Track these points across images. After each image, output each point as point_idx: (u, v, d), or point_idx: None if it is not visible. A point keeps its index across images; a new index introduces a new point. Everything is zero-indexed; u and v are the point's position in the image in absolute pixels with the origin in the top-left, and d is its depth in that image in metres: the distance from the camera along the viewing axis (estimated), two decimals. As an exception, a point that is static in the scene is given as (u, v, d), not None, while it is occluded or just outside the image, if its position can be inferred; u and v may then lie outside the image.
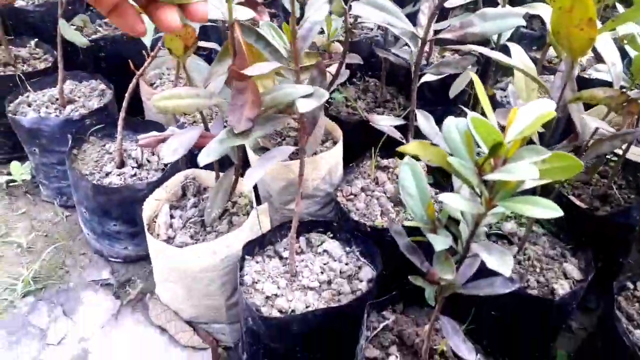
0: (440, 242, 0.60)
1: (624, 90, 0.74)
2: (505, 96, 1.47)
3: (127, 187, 1.07)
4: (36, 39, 1.51)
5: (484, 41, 1.07)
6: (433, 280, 0.63)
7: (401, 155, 1.18)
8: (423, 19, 0.86)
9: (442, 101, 1.32)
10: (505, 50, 0.90)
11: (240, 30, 0.72)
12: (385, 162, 1.20)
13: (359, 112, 1.36)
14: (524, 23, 0.73)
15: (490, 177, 0.55)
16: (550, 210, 0.53)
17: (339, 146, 1.18)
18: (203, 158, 0.71)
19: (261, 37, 0.72)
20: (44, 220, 1.31)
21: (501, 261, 0.54)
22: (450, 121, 0.61)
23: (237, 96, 0.73)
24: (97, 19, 1.64)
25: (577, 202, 1.12)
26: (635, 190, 1.16)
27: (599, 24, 0.77)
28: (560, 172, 0.56)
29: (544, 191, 1.01)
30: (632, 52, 0.79)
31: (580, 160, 0.53)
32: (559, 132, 1.36)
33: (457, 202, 0.55)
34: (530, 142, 0.81)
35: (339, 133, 1.23)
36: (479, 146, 0.58)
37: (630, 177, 1.20)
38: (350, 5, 0.79)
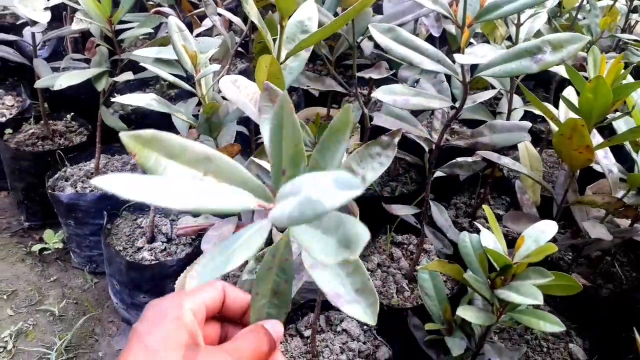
0: (456, 347, 0.67)
1: (619, 198, 0.82)
2: (513, 172, 1.54)
3: (158, 264, 1.14)
4: (72, 113, 1.62)
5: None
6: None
7: (416, 232, 1.26)
8: (437, 123, 0.95)
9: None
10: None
11: None
12: (400, 238, 1.28)
13: (373, 187, 1.44)
14: (529, 138, 0.82)
15: (500, 294, 0.62)
16: (555, 325, 0.60)
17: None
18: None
19: None
20: (74, 287, 1.38)
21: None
22: (465, 237, 0.69)
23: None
24: (127, 92, 1.76)
25: (581, 281, 1.19)
26: (637, 268, 1.23)
27: (598, 139, 0.85)
28: (562, 290, 0.63)
29: (550, 268, 1.07)
30: (634, 155, 0.86)
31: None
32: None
33: (472, 316, 0.62)
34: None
35: (355, 209, 1.30)
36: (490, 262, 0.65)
37: (632, 254, 1.26)
38: (371, 116, 0.88)
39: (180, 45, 0.82)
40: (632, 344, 0.73)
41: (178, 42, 0.83)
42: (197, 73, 0.83)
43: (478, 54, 0.73)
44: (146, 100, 0.80)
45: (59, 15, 1.78)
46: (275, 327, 0.42)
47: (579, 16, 1.38)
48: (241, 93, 0.86)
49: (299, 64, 0.75)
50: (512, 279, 0.63)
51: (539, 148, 1.51)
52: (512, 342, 1.01)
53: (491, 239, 0.64)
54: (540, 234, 0.64)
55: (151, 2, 1.55)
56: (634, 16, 1.61)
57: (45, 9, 1.15)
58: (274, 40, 0.74)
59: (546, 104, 1.08)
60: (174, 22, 0.83)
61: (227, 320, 0.44)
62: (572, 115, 0.79)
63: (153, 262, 1.16)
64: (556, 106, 0.97)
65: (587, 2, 1.33)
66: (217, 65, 0.81)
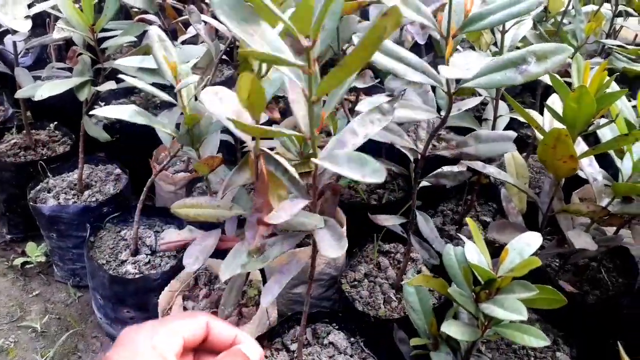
0: (442, 362, 0.66)
1: (604, 206, 0.81)
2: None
3: (142, 278, 1.12)
4: (55, 122, 1.60)
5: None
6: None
7: (403, 240, 1.25)
8: (422, 132, 0.94)
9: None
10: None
11: (264, 158, 0.78)
12: (387, 246, 1.27)
13: (361, 194, 1.43)
14: (514, 148, 0.81)
15: (484, 308, 0.61)
16: (539, 339, 0.60)
17: (344, 231, 1.25)
18: (224, 274, 0.78)
19: (280, 165, 0.78)
20: (57, 301, 1.36)
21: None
22: (449, 250, 0.68)
23: (255, 214, 0.80)
24: (112, 99, 1.74)
25: (568, 288, 1.18)
26: (623, 274, 1.22)
27: (583, 147, 0.85)
28: (546, 303, 0.62)
29: (536, 277, 1.07)
30: (619, 163, 0.85)
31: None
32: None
33: (456, 331, 0.61)
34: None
35: (343, 218, 1.29)
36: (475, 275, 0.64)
37: (618, 260, 1.26)
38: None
39: (161, 55, 0.81)
40: (618, 351, 0.73)
41: (158, 52, 0.82)
42: (178, 84, 0.82)
43: (462, 66, 0.72)
44: (127, 112, 0.79)
45: (42, 21, 1.76)
46: (253, 351, 0.41)
47: (565, 20, 1.39)
48: (223, 105, 0.84)
49: (281, 76, 0.74)
50: (496, 293, 0.62)
51: (525, 154, 1.52)
52: (500, 351, 1.00)
53: (475, 252, 0.63)
54: (525, 247, 0.63)
55: (135, 10, 1.54)
56: (619, 20, 1.62)
57: (26, 17, 1.14)
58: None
59: (531, 111, 1.08)
60: (155, 33, 0.82)
61: (209, 352, 0.43)
62: (557, 123, 0.78)
63: (137, 276, 1.14)
64: (542, 111, 0.97)
65: (572, 8, 1.33)
66: (196, 77, 0.80)
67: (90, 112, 0.76)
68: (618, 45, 1.27)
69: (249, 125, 0.61)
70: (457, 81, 0.77)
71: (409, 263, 1.21)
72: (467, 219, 0.65)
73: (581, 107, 0.68)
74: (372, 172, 0.52)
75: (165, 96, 0.81)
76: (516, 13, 0.73)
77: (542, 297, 0.61)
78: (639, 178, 0.78)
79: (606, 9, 1.51)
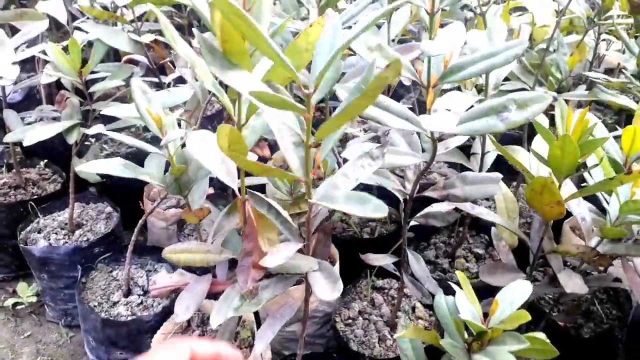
0: (435, 415, 0.65)
1: (593, 247, 0.82)
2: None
3: (135, 320, 1.12)
4: (46, 160, 1.60)
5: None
6: None
7: (397, 276, 1.24)
8: (410, 173, 0.95)
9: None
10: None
11: (252, 202, 0.79)
12: (380, 282, 1.27)
13: (353, 227, 1.43)
14: (500, 191, 0.82)
15: (477, 360, 0.61)
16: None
17: (336, 267, 1.24)
18: (215, 320, 0.77)
19: (272, 207, 0.78)
20: (49, 342, 1.34)
21: None
22: (440, 299, 0.68)
23: (245, 258, 0.80)
24: (102, 135, 1.74)
25: (562, 324, 1.18)
26: (616, 305, 1.23)
27: (570, 188, 0.86)
28: (537, 354, 0.62)
29: (530, 313, 1.07)
30: (606, 204, 0.86)
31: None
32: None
33: (449, 385, 0.61)
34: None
35: (335, 254, 1.29)
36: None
37: (611, 291, 1.27)
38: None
39: (144, 108, 0.81)
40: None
41: (142, 105, 0.82)
42: (164, 135, 0.82)
43: (444, 116, 0.73)
44: (114, 167, 0.79)
45: (31, 57, 1.76)
46: (232, 356, 0.41)
47: (550, 48, 1.39)
48: (209, 151, 0.84)
49: (262, 123, 0.75)
50: (488, 343, 0.62)
51: (515, 183, 1.53)
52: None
53: (466, 303, 0.63)
54: (515, 297, 0.63)
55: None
56: (602, 45, 1.64)
57: (14, 63, 1.14)
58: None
59: (517, 148, 1.10)
60: (137, 85, 0.82)
61: None
62: (544, 166, 0.79)
63: (129, 318, 1.13)
64: (531, 137, 0.96)
65: (556, 39, 1.35)
66: (183, 131, 0.81)
67: (78, 168, 0.76)
68: (602, 78, 1.29)
69: (249, 162, 0.63)
70: (441, 127, 0.78)
71: (403, 299, 1.21)
72: (457, 272, 0.66)
73: (565, 154, 0.69)
74: (375, 209, 0.56)
75: (152, 149, 0.82)
76: (495, 65, 0.74)
77: (533, 348, 0.61)
78: (627, 219, 0.78)
79: (590, 38, 1.54)
